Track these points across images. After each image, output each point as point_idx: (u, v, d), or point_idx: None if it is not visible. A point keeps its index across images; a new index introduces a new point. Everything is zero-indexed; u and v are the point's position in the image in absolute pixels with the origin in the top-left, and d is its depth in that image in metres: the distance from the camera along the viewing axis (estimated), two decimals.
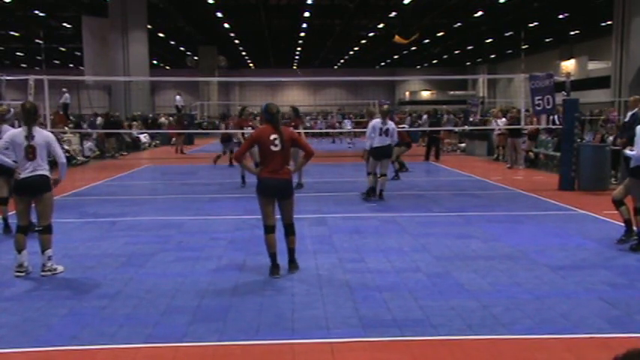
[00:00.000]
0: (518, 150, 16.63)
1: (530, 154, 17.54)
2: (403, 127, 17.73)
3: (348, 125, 32.98)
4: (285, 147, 5.76)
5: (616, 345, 4.17)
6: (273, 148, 5.70)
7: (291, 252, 6.05)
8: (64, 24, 37.60)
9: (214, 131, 36.53)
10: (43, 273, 5.94)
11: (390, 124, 10.63)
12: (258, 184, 5.86)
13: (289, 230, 6.00)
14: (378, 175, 10.60)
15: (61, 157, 6.10)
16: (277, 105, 6.05)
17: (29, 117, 5.96)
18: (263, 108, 6.06)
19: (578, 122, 12.31)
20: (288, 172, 5.91)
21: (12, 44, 46.78)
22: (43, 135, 6.02)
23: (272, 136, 5.71)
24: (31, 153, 5.87)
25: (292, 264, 6.04)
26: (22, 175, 5.89)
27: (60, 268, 6.06)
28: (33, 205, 6.10)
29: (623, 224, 7.15)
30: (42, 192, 5.95)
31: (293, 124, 11.88)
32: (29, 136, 5.87)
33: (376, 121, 10.57)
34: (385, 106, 11.81)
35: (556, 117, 14.88)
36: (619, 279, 5.68)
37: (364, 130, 12.06)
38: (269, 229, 5.88)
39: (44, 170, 5.95)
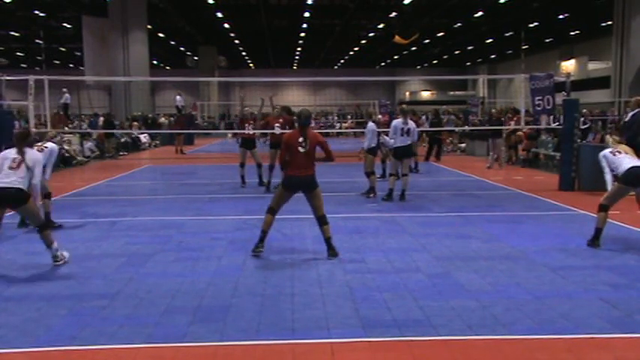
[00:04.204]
0: (497, 150, 16.68)
1: (529, 154, 17.58)
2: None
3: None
4: (310, 149, 6.46)
5: (616, 345, 4.17)
6: (300, 149, 6.43)
7: (327, 241, 6.58)
8: (64, 24, 37.62)
9: (214, 131, 36.61)
10: (56, 264, 6.22)
11: (411, 124, 10.73)
12: (284, 179, 6.70)
13: (322, 221, 6.56)
14: (399, 176, 10.72)
15: (35, 178, 6.22)
16: (309, 111, 6.97)
17: (18, 141, 6.28)
18: (297, 114, 7.14)
19: (576, 122, 12.32)
20: (312, 169, 6.54)
21: (12, 44, 46.79)
22: (34, 155, 6.32)
23: (300, 139, 6.45)
24: (16, 164, 6.10)
25: (331, 251, 6.57)
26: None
27: (65, 254, 6.38)
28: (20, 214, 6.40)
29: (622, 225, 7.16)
30: (20, 204, 6.12)
31: (281, 120, 12.03)
32: (19, 152, 6.18)
33: (397, 122, 10.69)
34: (404, 106, 11.89)
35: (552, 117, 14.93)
36: (619, 279, 5.68)
37: (363, 130, 12.11)
38: (271, 210, 6.63)
39: (21, 184, 6.06)
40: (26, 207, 6.16)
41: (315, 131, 7.29)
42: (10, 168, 6.07)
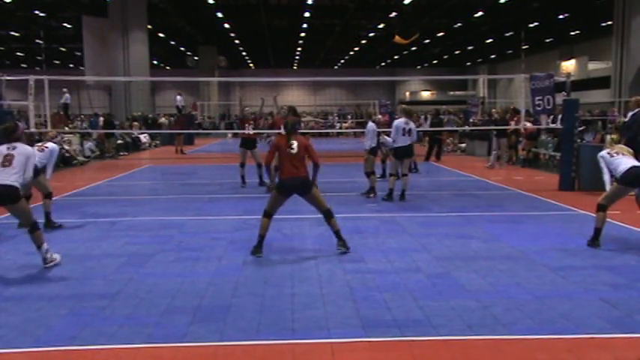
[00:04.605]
0: (502, 149, 16.76)
1: (529, 154, 17.57)
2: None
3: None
4: (301, 151, 6.61)
5: (617, 345, 4.17)
6: (290, 151, 6.58)
7: (337, 234, 6.72)
8: (64, 24, 37.63)
9: (214, 131, 36.62)
10: (46, 266, 6.16)
11: (412, 124, 10.74)
12: (278, 184, 6.75)
13: (327, 215, 6.72)
14: (399, 176, 10.74)
15: (28, 173, 6.16)
16: (295, 119, 7.41)
17: (5, 136, 6.18)
18: (285, 123, 7.33)
19: (578, 123, 12.30)
20: (305, 170, 6.63)
21: (12, 44, 46.80)
22: (25, 150, 6.20)
23: (289, 142, 6.63)
24: (8, 161, 6.01)
25: (341, 242, 6.70)
26: None
27: (57, 256, 6.31)
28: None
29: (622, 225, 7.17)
30: (11, 202, 6.03)
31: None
32: (9, 148, 6.09)
33: (400, 121, 10.68)
34: (404, 105, 11.95)
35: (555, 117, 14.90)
36: (619, 279, 5.68)
37: (363, 130, 12.13)
38: (267, 214, 6.67)
39: (14, 182, 5.98)
40: (17, 206, 6.07)
41: (305, 132, 7.41)
42: (2, 165, 5.98)
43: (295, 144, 6.62)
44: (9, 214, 6.46)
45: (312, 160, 6.74)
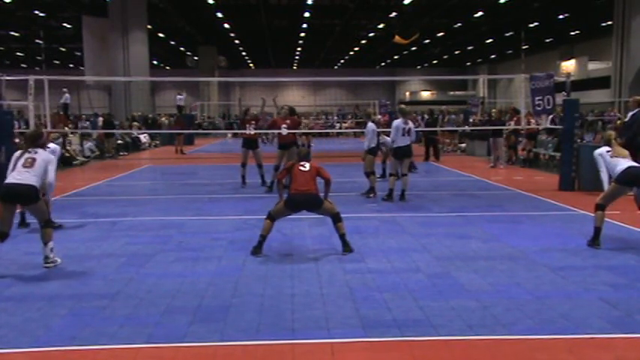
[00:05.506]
0: (499, 149, 16.81)
1: (530, 154, 17.57)
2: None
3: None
4: (312, 170, 6.83)
5: (617, 345, 4.17)
6: (302, 169, 6.81)
7: (342, 237, 6.75)
8: (64, 24, 37.66)
9: (214, 131, 36.60)
10: (46, 265, 6.21)
11: (411, 124, 10.77)
12: (288, 199, 6.75)
13: (335, 219, 6.77)
14: (399, 176, 10.74)
15: (50, 176, 6.44)
16: (306, 152, 7.52)
17: (30, 142, 6.39)
18: (297, 153, 7.64)
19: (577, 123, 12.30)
20: (315, 188, 6.76)
21: (12, 44, 46.82)
22: (47, 155, 6.42)
23: (301, 163, 6.92)
24: (29, 163, 6.18)
25: (346, 247, 6.74)
26: (10, 180, 6.08)
27: (58, 259, 6.35)
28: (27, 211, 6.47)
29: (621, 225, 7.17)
30: (31, 202, 6.16)
31: (288, 121, 11.88)
32: (32, 152, 6.29)
33: (399, 122, 10.66)
34: (402, 106, 11.98)
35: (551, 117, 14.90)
36: (619, 279, 5.68)
37: (363, 130, 12.13)
38: (271, 217, 6.70)
39: (34, 182, 6.13)
40: (36, 206, 6.21)
41: (305, 132, 7.38)
42: (24, 166, 6.15)
43: (307, 164, 6.87)
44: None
45: (323, 177, 6.86)
